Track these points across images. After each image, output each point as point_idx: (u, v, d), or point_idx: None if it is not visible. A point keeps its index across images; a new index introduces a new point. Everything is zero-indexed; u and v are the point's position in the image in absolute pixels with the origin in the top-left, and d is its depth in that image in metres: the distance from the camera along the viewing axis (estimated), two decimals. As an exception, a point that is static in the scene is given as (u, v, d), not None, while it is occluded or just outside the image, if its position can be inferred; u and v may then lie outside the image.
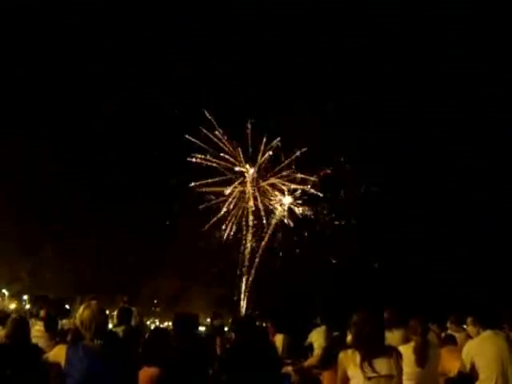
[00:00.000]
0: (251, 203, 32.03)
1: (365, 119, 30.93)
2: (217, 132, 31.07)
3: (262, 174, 32.01)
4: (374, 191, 30.25)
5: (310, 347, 7.71)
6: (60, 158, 29.46)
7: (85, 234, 31.43)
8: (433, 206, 30.23)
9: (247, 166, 31.71)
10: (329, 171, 30.91)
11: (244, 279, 32.09)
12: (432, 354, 4.93)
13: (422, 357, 4.82)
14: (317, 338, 7.48)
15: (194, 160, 30.94)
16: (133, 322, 6.65)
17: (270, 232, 31.75)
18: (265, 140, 31.14)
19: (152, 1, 31.83)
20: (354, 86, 30.53)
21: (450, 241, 29.27)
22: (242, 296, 32.05)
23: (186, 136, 30.66)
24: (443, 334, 6.68)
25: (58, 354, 3.70)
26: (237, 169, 31.69)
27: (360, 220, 30.75)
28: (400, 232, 29.49)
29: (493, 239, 28.12)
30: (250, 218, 32.04)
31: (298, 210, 31.73)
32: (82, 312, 3.63)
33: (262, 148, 31.25)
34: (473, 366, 4.90)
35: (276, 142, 30.89)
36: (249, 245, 32.06)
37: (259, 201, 32.08)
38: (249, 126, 30.66)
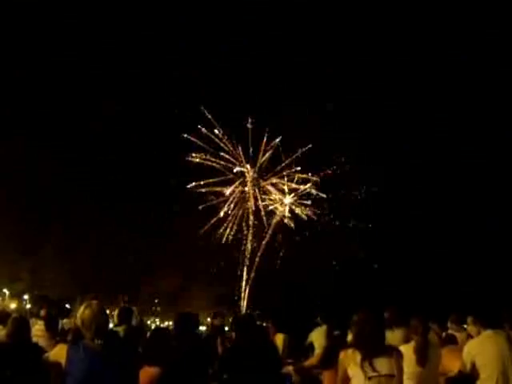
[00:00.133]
0: (252, 203, 32.03)
1: (365, 119, 30.95)
2: (217, 132, 31.06)
3: (263, 173, 32.01)
4: (374, 191, 30.25)
5: (311, 347, 7.69)
6: (60, 158, 29.48)
7: (85, 234, 31.46)
8: (433, 206, 30.25)
9: (248, 165, 31.70)
10: (329, 171, 30.90)
11: (244, 279, 32.11)
12: (432, 353, 4.92)
13: (423, 356, 4.82)
14: (317, 337, 7.46)
15: (194, 160, 30.91)
16: (133, 322, 6.65)
17: (270, 232, 31.74)
18: (265, 140, 31.14)
19: (152, 1, 31.86)
20: (354, 86, 30.56)
21: (451, 241, 29.29)
22: (243, 295, 32.05)
23: (185, 135, 30.56)
24: (444, 334, 6.67)
25: (58, 353, 3.69)
26: (237, 168, 31.69)
27: (360, 220, 30.75)
28: (401, 232, 29.53)
29: (493, 239, 28.13)
30: (251, 217, 32.03)
31: (299, 210, 31.72)
32: (82, 311, 3.61)
33: (263, 148, 31.25)
34: (473, 366, 4.90)
35: (277, 141, 30.86)
36: (249, 244, 32.06)
37: (260, 200, 32.08)
38: (249, 126, 30.65)
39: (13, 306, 27.73)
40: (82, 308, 3.66)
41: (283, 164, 31.20)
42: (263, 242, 31.80)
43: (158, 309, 42.22)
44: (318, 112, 30.06)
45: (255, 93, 30.05)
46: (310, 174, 31.35)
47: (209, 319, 14.43)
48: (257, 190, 32.06)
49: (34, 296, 27.88)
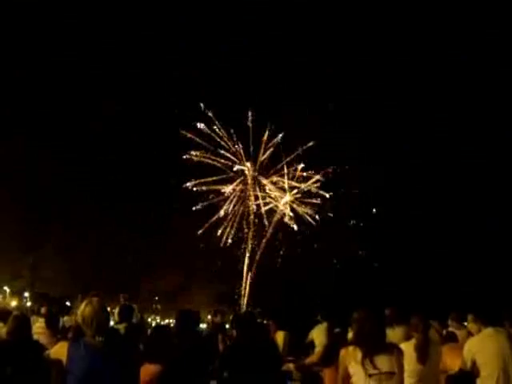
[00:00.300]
0: (252, 201, 32.01)
1: (365, 119, 30.95)
2: (217, 130, 31.05)
3: (263, 171, 31.99)
4: (374, 191, 30.24)
5: (311, 344, 7.71)
6: (60, 158, 29.48)
7: (85, 234, 31.48)
8: (433, 206, 30.24)
9: (248, 164, 31.69)
10: (329, 170, 30.91)
11: (245, 277, 32.09)
12: (433, 351, 4.93)
13: (423, 354, 4.83)
14: (318, 335, 7.47)
15: (193, 158, 30.89)
16: (134, 320, 6.66)
17: (270, 230, 31.73)
18: (265, 138, 31.13)
19: (152, 1, 31.86)
20: (354, 86, 30.56)
21: (451, 240, 29.28)
22: (243, 293, 32.05)
23: (185, 133, 30.52)
24: (444, 332, 6.66)
25: (59, 351, 3.69)
26: (237, 167, 31.69)
27: (360, 219, 30.76)
28: (401, 231, 29.54)
29: (493, 239, 28.13)
30: (251, 216, 32.02)
31: (299, 209, 31.72)
32: (83, 309, 3.61)
33: (263, 146, 31.23)
34: (474, 364, 4.90)
35: (278, 138, 30.84)
36: (249, 243, 32.04)
37: (260, 199, 32.07)
38: (249, 123, 30.64)
39: (13, 303, 27.81)
40: (82, 305, 3.66)
41: (284, 162, 31.21)
42: (263, 241, 31.81)
43: (159, 306, 42.29)
44: (318, 112, 30.11)
45: (255, 93, 30.11)
46: (310, 173, 31.37)
47: (209, 317, 14.39)
48: (257, 189, 32.08)
49: (35, 294, 28.00)
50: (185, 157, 30.59)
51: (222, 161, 31.34)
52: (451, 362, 5.19)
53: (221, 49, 31.68)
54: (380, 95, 30.39)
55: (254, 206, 31.94)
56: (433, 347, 4.96)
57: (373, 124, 30.77)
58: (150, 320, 36.54)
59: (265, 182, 31.90)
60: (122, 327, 5.96)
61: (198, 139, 30.86)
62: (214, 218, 31.44)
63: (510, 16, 27.10)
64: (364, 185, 29.91)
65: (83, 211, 31.10)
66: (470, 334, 6.11)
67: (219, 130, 30.99)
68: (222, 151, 31.26)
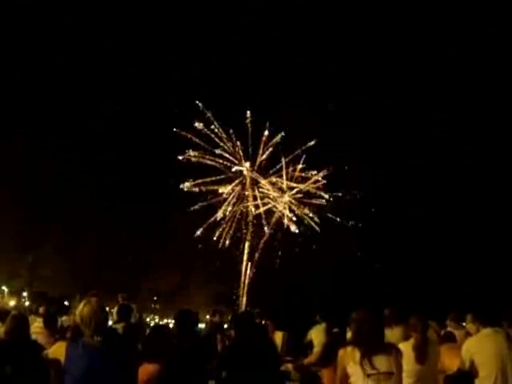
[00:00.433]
0: (251, 201, 31.97)
1: (365, 119, 30.96)
2: (216, 130, 31.00)
3: (262, 171, 31.95)
4: (374, 191, 30.20)
5: (310, 344, 7.72)
6: (60, 158, 29.47)
7: (85, 234, 31.47)
8: (433, 206, 30.25)
9: (247, 164, 31.65)
10: (329, 170, 30.87)
11: (243, 277, 32.06)
12: (431, 351, 4.94)
13: (422, 354, 4.83)
14: (316, 335, 7.48)
15: (191, 158, 30.85)
16: (132, 319, 6.67)
17: (269, 231, 31.68)
18: (264, 138, 31.08)
19: (152, 1, 31.88)
20: (354, 86, 30.57)
21: (450, 240, 29.30)
22: (241, 293, 32.00)
23: (185, 133, 30.47)
24: (442, 332, 6.67)
25: (57, 350, 3.70)
26: (236, 167, 31.64)
27: (360, 220, 30.72)
28: (400, 231, 29.54)
29: (492, 239, 28.14)
30: (250, 216, 31.97)
31: (298, 209, 31.68)
32: (81, 308, 3.61)
33: (262, 145, 31.19)
34: (472, 364, 4.90)
35: (277, 138, 30.78)
36: (248, 243, 31.99)
37: (258, 199, 32.02)
38: (248, 124, 30.61)
39: (12, 303, 27.79)
40: (81, 305, 3.67)
41: (283, 162, 31.15)
42: (262, 241, 31.76)
43: (157, 306, 42.28)
44: (318, 112, 30.09)
45: (255, 93, 30.09)
46: (310, 173, 31.32)
47: (208, 317, 14.40)
48: (256, 189, 32.03)
49: (33, 293, 28.00)
50: (181, 157, 30.54)
51: (221, 161, 31.32)
52: (449, 362, 5.19)
53: (221, 49, 31.72)
54: (380, 95, 30.42)
55: (253, 206, 31.91)
56: (431, 347, 4.97)
57: (373, 124, 30.78)
58: (148, 320, 36.53)
59: (263, 182, 31.87)
60: (120, 327, 5.96)
61: (197, 139, 30.84)
62: (212, 219, 31.41)
63: (510, 16, 27.12)
64: (364, 185, 29.89)
65: (83, 211, 31.08)
66: (468, 334, 6.13)
67: (218, 130, 30.97)
68: (221, 151, 31.24)
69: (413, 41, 29.89)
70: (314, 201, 31.42)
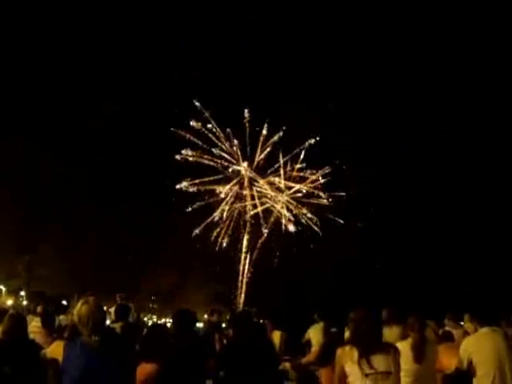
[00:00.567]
0: (248, 201, 31.95)
1: (365, 119, 30.96)
2: (215, 130, 30.99)
3: (260, 171, 31.93)
4: (373, 191, 30.18)
5: (308, 344, 7.73)
6: (60, 158, 29.46)
7: (85, 234, 31.46)
8: (433, 206, 30.26)
9: (245, 164, 31.62)
10: (328, 170, 30.86)
11: (241, 276, 32.03)
12: (429, 350, 4.93)
13: (420, 353, 4.83)
14: (315, 334, 7.49)
15: (189, 158, 30.83)
16: (130, 319, 6.67)
17: (267, 230, 31.65)
18: (263, 138, 31.07)
19: (152, 1, 31.89)
20: (354, 86, 30.56)
21: (449, 240, 29.31)
22: (239, 292, 31.97)
23: (183, 134, 30.46)
24: (440, 331, 6.67)
25: (55, 350, 3.69)
26: (234, 167, 31.62)
27: (359, 220, 30.70)
28: (399, 231, 29.55)
29: (491, 239, 28.16)
30: (248, 216, 31.93)
31: (296, 209, 31.66)
32: (79, 308, 3.61)
33: (260, 145, 31.17)
34: (470, 363, 4.91)
35: (276, 138, 30.77)
36: (246, 243, 31.97)
37: (256, 198, 31.99)
38: (246, 124, 30.61)
39: (9, 302, 27.70)
40: (78, 304, 3.66)
41: (281, 162, 31.12)
42: (260, 241, 31.72)
43: (155, 306, 42.25)
44: (318, 112, 30.08)
45: (255, 93, 30.09)
46: (307, 172, 31.32)
47: (206, 316, 14.40)
48: (254, 189, 32.01)
49: (31, 293, 27.97)
50: (179, 157, 30.52)
51: (219, 161, 31.29)
52: (447, 361, 5.19)
53: (221, 49, 31.72)
54: (380, 95, 30.43)
55: (251, 206, 31.87)
56: (429, 347, 4.97)
57: (373, 124, 30.78)
58: (146, 319, 36.51)
59: (261, 182, 31.84)
60: (118, 326, 5.96)
61: (195, 139, 30.83)
62: (210, 219, 31.38)
63: (510, 16, 27.12)
64: (363, 185, 29.87)
65: (83, 211, 31.07)
66: (466, 334, 6.14)
67: (216, 129, 30.97)
68: (219, 151, 31.22)
69: (413, 41, 29.93)
70: (312, 200, 31.42)
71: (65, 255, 29.94)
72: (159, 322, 35.58)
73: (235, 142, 31.25)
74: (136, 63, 31.66)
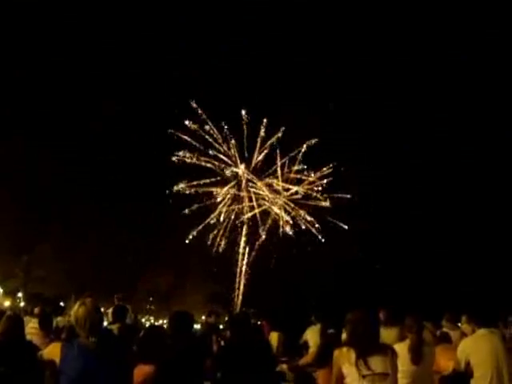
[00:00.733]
0: (246, 203, 31.89)
1: (365, 119, 30.94)
2: (212, 132, 30.92)
3: (258, 173, 31.83)
4: (373, 192, 30.14)
5: (305, 345, 7.73)
6: (60, 158, 29.47)
7: (85, 234, 31.47)
8: (433, 206, 30.24)
9: (242, 166, 31.54)
10: (328, 171, 30.79)
11: (239, 277, 31.96)
12: (427, 351, 4.93)
13: (417, 355, 4.83)
14: (312, 335, 7.50)
15: (187, 160, 30.73)
16: (128, 320, 6.67)
17: (264, 232, 31.56)
18: (261, 139, 31.00)
19: (152, 1, 31.90)
20: (354, 86, 30.55)
21: (448, 240, 29.30)
22: (237, 293, 31.91)
23: (181, 134, 30.38)
24: (438, 332, 6.67)
25: (52, 351, 3.69)
26: (232, 168, 31.54)
27: (358, 220, 30.64)
28: (398, 231, 29.53)
29: (490, 240, 28.15)
30: (245, 217, 31.84)
31: (294, 211, 31.58)
32: (76, 309, 3.62)
33: (258, 146, 31.08)
34: (468, 364, 4.92)
35: (274, 139, 30.69)
36: (243, 244, 31.89)
37: (254, 200, 31.91)
38: (244, 125, 30.54)
39: (7, 303, 27.64)
40: (76, 306, 3.67)
41: (279, 164, 31.02)
42: (257, 242, 31.62)
43: (153, 307, 42.22)
44: (318, 112, 30.05)
45: (255, 93, 30.07)
46: (307, 174, 31.23)
47: (203, 317, 14.38)
48: (251, 190, 31.92)
49: (28, 294, 27.96)
50: (175, 158, 30.43)
51: (216, 163, 31.20)
52: (445, 362, 5.20)
53: (221, 49, 31.71)
54: (380, 95, 30.41)
55: (248, 208, 31.79)
56: (427, 348, 4.96)
57: (373, 124, 30.76)
58: (143, 321, 36.45)
59: (259, 183, 31.74)
60: (115, 328, 5.96)
61: (192, 141, 30.74)
62: (207, 221, 31.30)
63: (510, 16, 27.11)
64: (363, 185, 29.85)
65: (83, 211, 31.07)
66: (463, 335, 6.13)
67: (214, 131, 30.89)
68: (217, 153, 31.13)
69: (413, 41, 29.91)
70: (310, 202, 31.33)
71: (64, 255, 29.96)
72: (156, 323, 35.53)
73: (233, 142, 31.17)
74: (136, 63, 31.70)
